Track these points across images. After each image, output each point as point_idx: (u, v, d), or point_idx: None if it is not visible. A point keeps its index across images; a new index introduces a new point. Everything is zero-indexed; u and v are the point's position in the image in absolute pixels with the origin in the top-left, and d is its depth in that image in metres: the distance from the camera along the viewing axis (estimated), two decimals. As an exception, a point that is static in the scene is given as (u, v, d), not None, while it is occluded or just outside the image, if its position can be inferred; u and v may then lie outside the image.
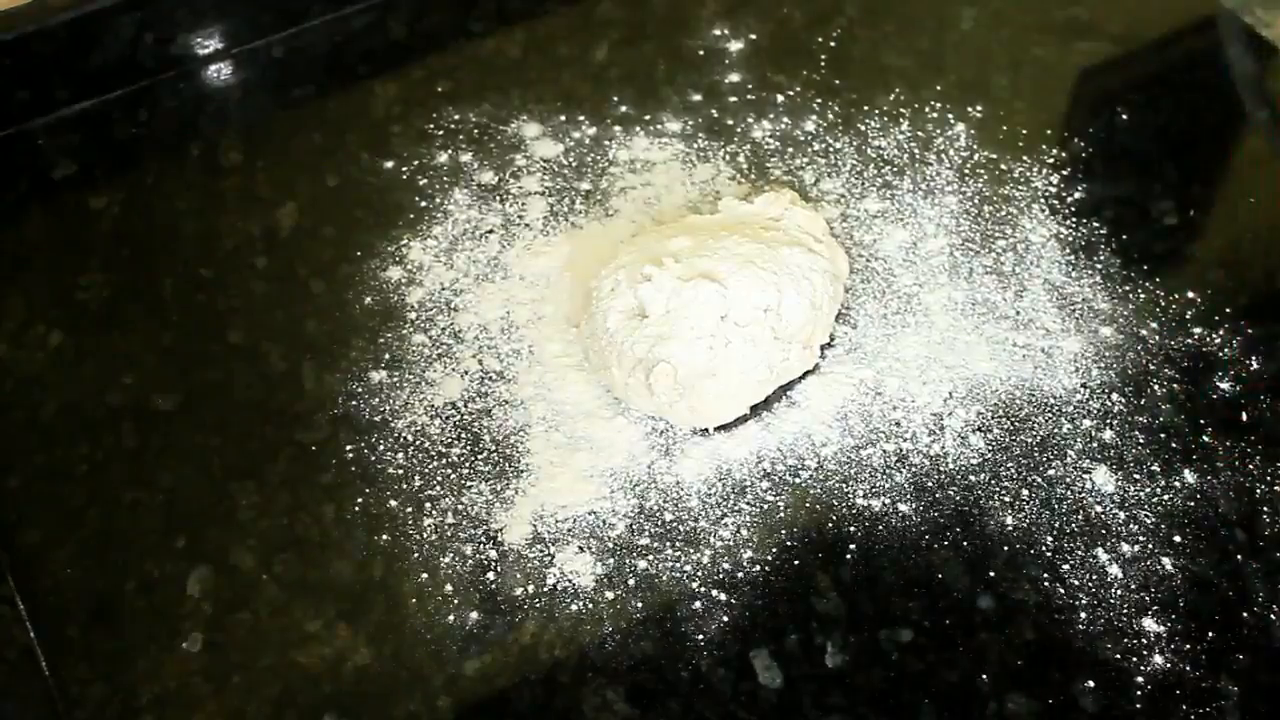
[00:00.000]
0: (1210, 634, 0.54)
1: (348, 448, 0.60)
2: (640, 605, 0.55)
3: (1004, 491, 0.58)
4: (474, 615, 0.54)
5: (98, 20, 0.71)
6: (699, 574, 0.55)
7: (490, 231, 0.68)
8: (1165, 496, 0.58)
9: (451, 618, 0.54)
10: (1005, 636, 0.54)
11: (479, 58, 0.77)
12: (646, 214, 0.68)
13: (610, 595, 0.55)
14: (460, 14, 0.78)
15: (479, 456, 0.59)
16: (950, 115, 0.72)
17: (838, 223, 0.67)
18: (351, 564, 0.56)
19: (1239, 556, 0.56)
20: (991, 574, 0.55)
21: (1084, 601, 0.54)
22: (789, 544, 0.56)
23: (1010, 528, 0.57)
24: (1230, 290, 0.65)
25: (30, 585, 0.56)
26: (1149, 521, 0.57)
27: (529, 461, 0.59)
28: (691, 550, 0.56)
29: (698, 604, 0.55)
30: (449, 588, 0.55)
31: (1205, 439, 0.59)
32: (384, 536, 0.57)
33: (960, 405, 0.60)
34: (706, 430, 0.59)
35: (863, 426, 0.60)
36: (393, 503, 0.58)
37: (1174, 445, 0.59)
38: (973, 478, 0.58)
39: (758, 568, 0.56)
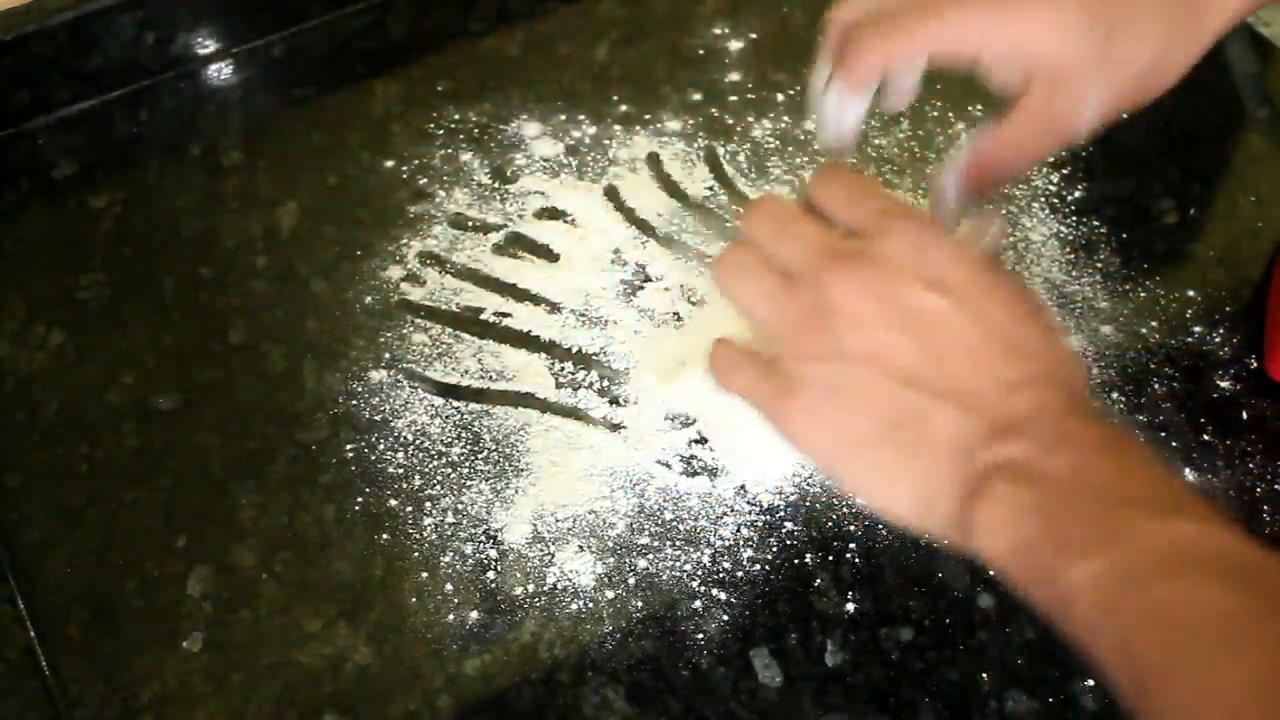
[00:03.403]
0: (1210, 633, 0.53)
1: (348, 447, 0.60)
2: (640, 604, 0.55)
3: (1004, 490, 0.58)
4: (474, 614, 0.54)
5: (98, 20, 0.71)
6: (699, 573, 0.55)
7: (490, 230, 0.68)
8: (1165, 495, 0.57)
9: (451, 617, 0.54)
10: (1005, 635, 0.54)
11: (479, 57, 0.77)
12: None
13: (610, 594, 0.55)
14: (460, 13, 0.78)
15: (479, 456, 0.59)
16: (950, 114, 0.72)
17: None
18: (352, 563, 0.56)
19: (1239, 555, 0.56)
20: (991, 573, 0.55)
21: (1084, 600, 0.54)
22: (789, 543, 0.56)
23: (1010, 527, 0.57)
24: (1230, 289, 0.65)
25: (30, 585, 0.56)
26: (1149, 520, 0.57)
27: (529, 461, 0.59)
28: (691, 549, 0.56)
29: (697, 603, 0.55)
30: (449, 587, 0.55)
31: (1205, 438, 0.59)
32: (384, 536, 0.57)
33: (960, 404, 0.60)
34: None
35: (863, 425, 0.60)
36: (393, 502, 0.58)
37: (1174, 444, 0.59)
38: (973, 477, 0.58)
39: (758, 566, 0.56)
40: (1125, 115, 0.50)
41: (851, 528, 0.57)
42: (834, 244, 0.44)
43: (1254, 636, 0.34)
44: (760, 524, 0.57)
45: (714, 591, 0.55)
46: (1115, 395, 0.61)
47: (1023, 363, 0.41)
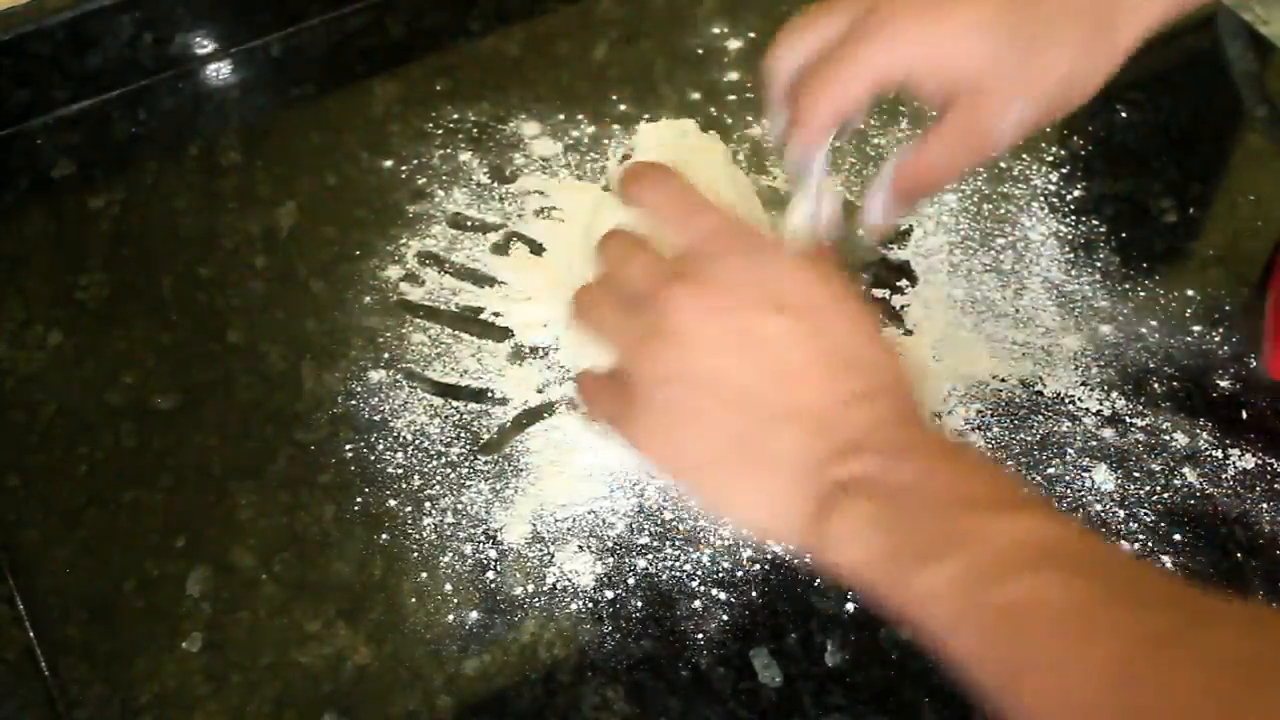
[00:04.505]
0: (1210, 632, 0.53)
1: (347, 447, 0.60)
2: (640, 604, 0.55)
3: (1004, 490, 0.58)
4: (474, 614, 0.54)
5: (96, 20, 0.71)
6: (698, 573, 0.55)
7: (489, 230, 0.68)
8: (1165, 495, 0.58)
9: (451, 617, 0.54)
10: (1005, 635, 0.54)
11: (478, 56, 0.77)
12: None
13: (610, 594, 0.55)
14: (459, 13, 0.78)
15: (478, 456, 0.59)
16: (949, 113, 0.72)
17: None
18: (351, 563, 0.56)
19: (1239, 555, 0.56)
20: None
21: (1084, 600, 0.54)
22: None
23: (1010, 526, 0.56)
24: (1230, 288, 0.65)
25: (30, 585, 0.56)
26: (1149, 520, 0.57)
27: (528, 461, 0.59)
28: (691, 549, 0.56)
29: (697, 603, 0.55)
30: (448, 587, 0.55)
31: (1205, 438, 0.59)
32: (383, 536, 0.57)
33: (960, 403, 0.60)
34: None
35: (862, 425, 0.60)
36: (392, 502, 0.58)
37: (1174, 444, 0.59)
38: (972, 476, 0.58)
39: (757, 566, 0.56)
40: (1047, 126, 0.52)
41: (851, 527, 0.57)
42: (671, 265, 0.45)
43: (1101, 625, 0.35)
44: (760, 524, 0.57)
45: (714, 591, 0.55)
46: (1115, 394, 0.61)
47: (859, 378, 0.43)
